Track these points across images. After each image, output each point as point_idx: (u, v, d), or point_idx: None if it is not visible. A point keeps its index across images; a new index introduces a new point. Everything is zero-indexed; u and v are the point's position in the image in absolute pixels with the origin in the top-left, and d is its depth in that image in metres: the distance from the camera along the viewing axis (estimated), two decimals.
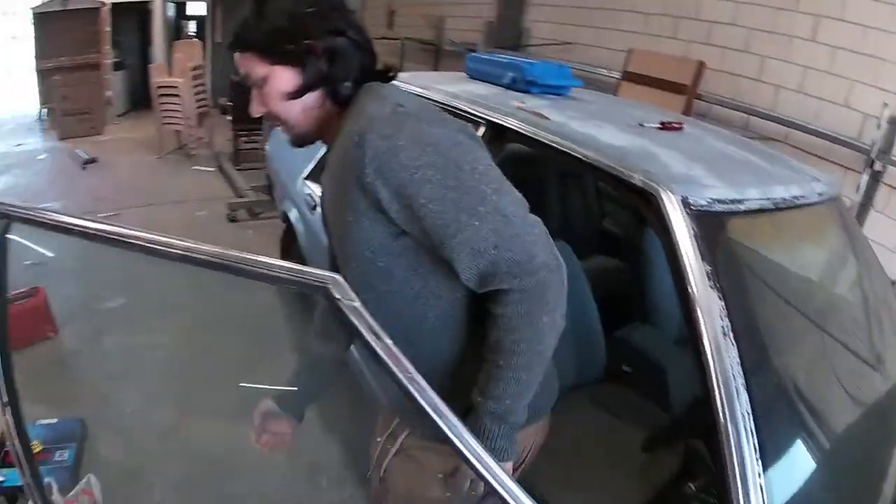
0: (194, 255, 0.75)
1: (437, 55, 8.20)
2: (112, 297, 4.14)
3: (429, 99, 2.24)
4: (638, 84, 4.78)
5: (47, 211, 0.88)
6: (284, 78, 1.09)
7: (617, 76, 5.04)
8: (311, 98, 1.12)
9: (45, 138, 10.03)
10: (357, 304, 0.70)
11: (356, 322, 0.70)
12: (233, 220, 5.66)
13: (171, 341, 3.56)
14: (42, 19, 9.86)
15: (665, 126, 1.81)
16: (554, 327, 1.02)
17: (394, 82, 1.24)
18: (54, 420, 2.81)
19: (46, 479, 2.21)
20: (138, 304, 3.99)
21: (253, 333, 3.60)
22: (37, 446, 2.56)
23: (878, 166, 3.37)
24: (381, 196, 1.01)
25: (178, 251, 0.75)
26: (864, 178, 3.42)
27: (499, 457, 1.03)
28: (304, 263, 3.07)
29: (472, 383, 1.07)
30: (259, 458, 2.48)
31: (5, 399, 1.06)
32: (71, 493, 2.29)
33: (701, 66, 4.44)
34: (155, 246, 0.76)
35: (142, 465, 2.63)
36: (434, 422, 0.71)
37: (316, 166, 3.06)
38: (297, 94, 1.11)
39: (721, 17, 4.45)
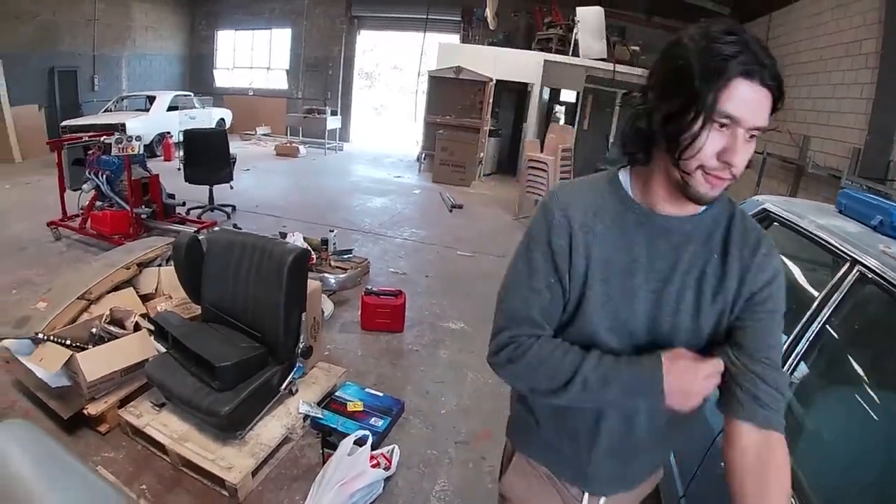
0: None
1: (797, 175, 7.83)
2: (454, 320, 4.82)
3: (798, 226, 2.37)
4: None
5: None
6: None
7: None
8: None
9: (420, 178, 11.99)
10: None
11: None
12: None
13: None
14: (437, 82, 12.00)
15: None
16: None
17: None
18: (381, 393, 3.42)
19: (365, 432, 2.86)
20: (476, 334, 4.56)
21: None
22: (359, 406, 3.22)
23: None
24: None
25: None
26: None
27: None
28: None
29: None
30: None
31: None
32: (376, 451, 2.81)
33: None
34: None
35: (438, 460, 3.06)
36: None
37: None
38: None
39: None
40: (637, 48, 11.94)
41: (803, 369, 1.90)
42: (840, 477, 1.67)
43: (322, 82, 16.57)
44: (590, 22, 11.35)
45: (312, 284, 3.40)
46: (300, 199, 8.89)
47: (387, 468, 2.76)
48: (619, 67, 11.46)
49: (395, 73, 23.93)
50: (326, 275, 4.87)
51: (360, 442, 2.77)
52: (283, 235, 5.08)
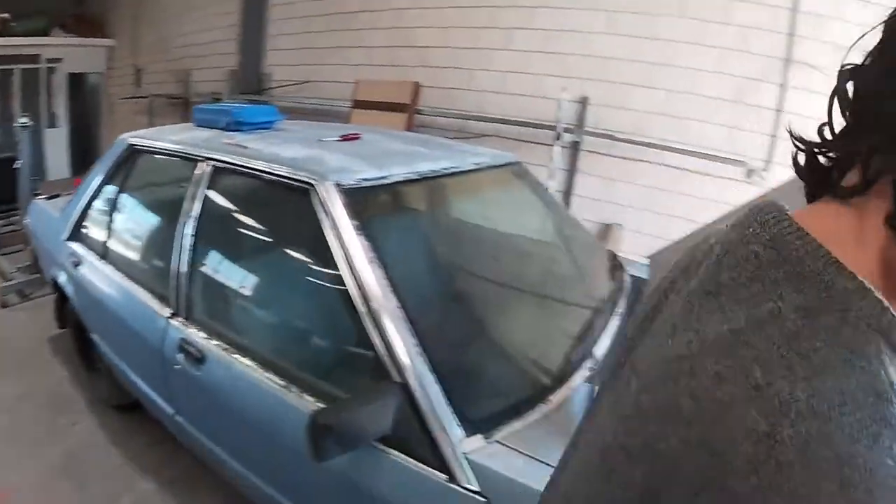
0: None
1: (186, 108, 8.25)
2: None
3: (160, 149, 2.63)
4: (366, 109, 5.30)
5: None
6: None
7: (349, 106, 5.52)
8: None
9: None
10: None
11: None
12: (4, 305, 5.21)
13: None
14: None
15: (344, 138, 2.31)
16: None
17: None
18: None
19: None
20: None
21: None
22: None
23: (566, 139, 4.19)
24: None
25: None
26: (556, 148, 4.25)
27: None
28: (79, 325, 3.30)
29: None
30: None
31: None
32: None
33: (416, 85, 5.10)
34: None
35: None
36: None
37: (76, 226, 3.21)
38: None
39: (432, 42, 5.13)
40: (7, 16, 10.80)
41: (198, 257, 2.19)
42: (279, 326, 2.13)
43: None
44: None
45: None
46: None
47: None
48: None
49: None
50: None
51: None
52: None
